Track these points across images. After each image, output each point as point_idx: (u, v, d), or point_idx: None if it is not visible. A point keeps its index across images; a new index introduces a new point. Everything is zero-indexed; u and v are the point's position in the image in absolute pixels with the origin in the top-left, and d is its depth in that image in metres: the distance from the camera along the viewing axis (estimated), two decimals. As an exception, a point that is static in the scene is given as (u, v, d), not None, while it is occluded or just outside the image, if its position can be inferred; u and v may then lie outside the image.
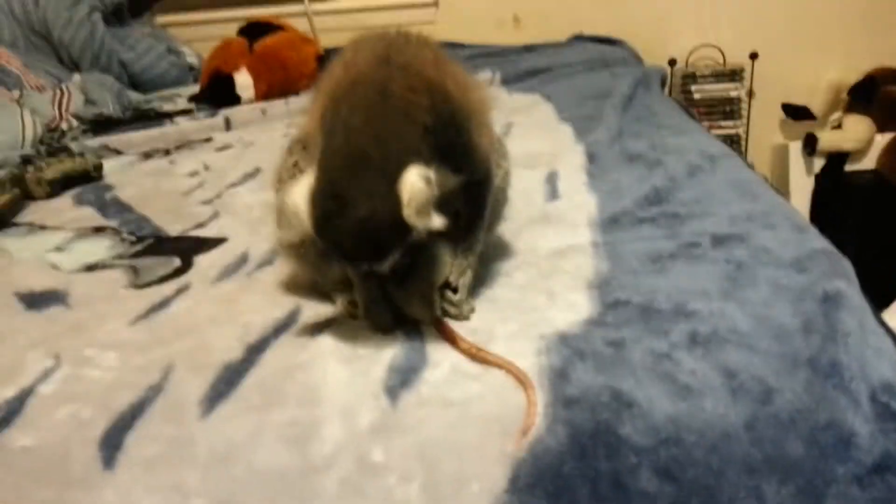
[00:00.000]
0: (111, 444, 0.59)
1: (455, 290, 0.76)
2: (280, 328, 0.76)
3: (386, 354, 0.68)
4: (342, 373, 0.65)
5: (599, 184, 1.15)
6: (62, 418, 0.63)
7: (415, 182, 0.62)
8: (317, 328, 0.76)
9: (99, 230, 1.18)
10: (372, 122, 0.66)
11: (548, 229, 1.00)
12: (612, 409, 0.58)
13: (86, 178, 1.52)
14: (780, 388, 0.59)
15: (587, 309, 0.74)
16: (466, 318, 0.75)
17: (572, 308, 0.74)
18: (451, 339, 0.70)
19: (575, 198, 1.10)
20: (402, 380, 0.64)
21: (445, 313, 0.75)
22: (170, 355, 0.71)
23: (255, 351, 0.71)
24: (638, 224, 0.98)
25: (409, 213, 0.62)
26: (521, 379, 0.62)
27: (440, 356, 0.68)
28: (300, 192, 0.64)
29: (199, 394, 0.64)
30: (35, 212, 1.34)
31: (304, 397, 0.62)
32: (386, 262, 0.65)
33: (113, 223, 1.21)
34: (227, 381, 0.66)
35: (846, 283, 0.72)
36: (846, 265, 0.78)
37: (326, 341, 0.72)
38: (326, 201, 0.63)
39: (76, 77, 2.38)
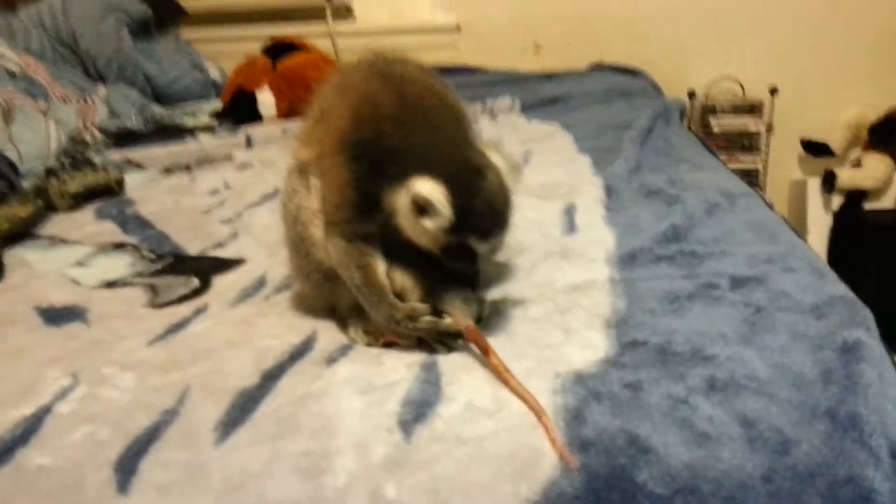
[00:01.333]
0: (126, 468, 0.59)
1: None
2: (296, 354, 0.76)
3: (401, 387, 0.68)
4: (357, 404, 0.65)
5: (617, 218, 1.15)
6: (78, 439, 0.63)
7: (499, 158, 0.77)
8: (332, 356, 0.76)
9: (119, 246, 1.19)
10: (440, 123, 0.77)
11: (565, 263, 0.99)
12: (629, 454, 0.57)
13: (108, 192, 1.54)
14: (798, 440, 0.58)
15: (604, 348, 0.74)
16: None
17: (589, 346, 0.74)
18: (484, 349, 0.70)
19: (592, 232, 1.10)
20: (416, 414, 0.64)
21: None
22: (186, 378, 0.72)
23: (271, 378, 0.71)
24: (656, 262, 0.98)
25: (510, 181, 0.76)
26: (535, 409, 0.62)
27: (455, 390, 0.68)
28: (428, 188, 0.70)
29: (213, 420, 0.64)
30: (57, 224, 1.35)
31: (318, 428, 0.63)
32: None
33: (133, 239, 1.23)
34: (242, 407, 0.66)
35: (866, 332, 0.72)
36: (866, 314, 0.77)
37: (342, 370, 0.73)
38: (461, 188, 0.71)
39: (101, 89, 2.42)
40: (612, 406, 0.63)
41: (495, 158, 0.77)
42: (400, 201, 0.73)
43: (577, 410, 0.63)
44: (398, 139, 0.74)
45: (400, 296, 0.77)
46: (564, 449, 0.58)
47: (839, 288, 0.85)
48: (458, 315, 0.74)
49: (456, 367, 0.72)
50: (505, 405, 0.65)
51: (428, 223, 0.71)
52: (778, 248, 0.98)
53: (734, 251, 0.98)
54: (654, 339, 0.74)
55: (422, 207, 0.71)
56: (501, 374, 0.68)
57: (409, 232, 0.75)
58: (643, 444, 0.58)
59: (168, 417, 0.65)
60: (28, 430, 0.65)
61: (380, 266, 0.78)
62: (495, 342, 0.77)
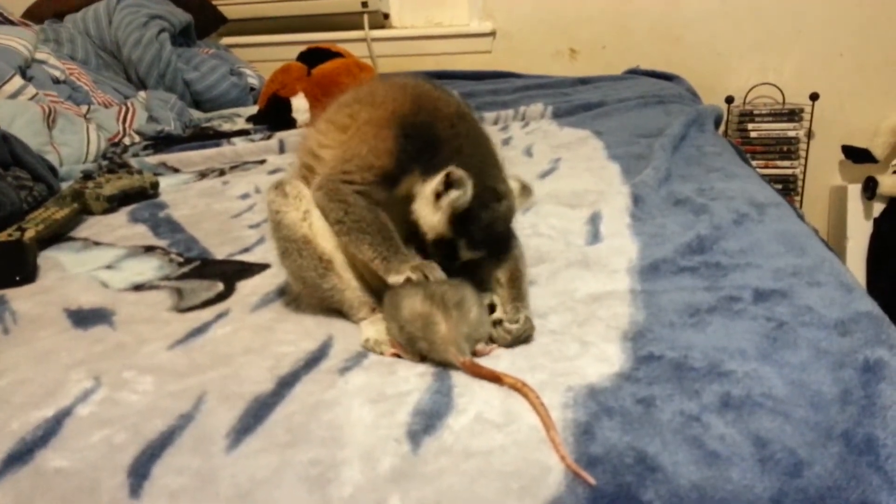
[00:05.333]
0: (139, 472, 0.60)
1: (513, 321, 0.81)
2: (311, 361, 0.77)
3: (412, 397, 0.68)
4: (367, 414, 0.66)
5: (643, 227, 1.14)
6: (96, 442, 0.64)
7: (515, 183, 0.89)
8: (347, 364, 0.77)
9: (149, 249, 1.22)
10: (482, 141, 0.88)
11: (586, 272, 0.99)
12: (636, 472, 0.57)
13: (142, 195, 1.57)
14: (811, 462, 0.57)
15: (619, 361, 0.73)
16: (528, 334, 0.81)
17: (604, 360, 0.74)
18: (491, 379, 0.70)
19: (617, 241, 1.09)
20: (425, 425, 0.64)
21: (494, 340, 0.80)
22: (203, 383, 0.73)
23: (285, 385, 0.72)
24: (679, 273, 0.96)
25: (518, 202, 0.89)
26: (546, 424, 0.62)
27: (466, 402, 0.68)
28: (464, 174, 0.79)
29: (227, 426, 0.65)
30: (91, 226, 1.39)
31: (327, 437, 0.63)
32: None
33: (163, 242, 1.25)
34: (256, 414, 0.67)
35: (889, 351, 0.70)
36: (892, 332, 0.75)
37: (355, 378, 0.73)
38: (480, 198, 0.81)
39: (141, 94, 2.48)
40: (623, 422, 0.62)
41: (512, 183, 0.88)
42: (428, 187, 0.82)
43: (586, 426, 0.62)
44: (450, 136, 0.84)
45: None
46: (576, 465, 0.57)
47: (867, 304, 0.83)
48: (451, 353, 0.73)
49: (468, 378, 0.72)
50: (515, 418, 0.64)
51: (446, 201, 0.79)
52: (805, 261, 0.96)
53: (760, 263, 0.96)
54: (670, 354, 0.73)
55: (449, 184, 0.79)
56: (521, 389, 0.67)
57: (417, 212, 0.83)
58: (651, 463, 0.57)
59: (183, 422, 0.66)
60: (48, 431, 0.66)
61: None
62: (511, 351, 0.78)
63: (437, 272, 0.80)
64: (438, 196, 0.80)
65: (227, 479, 0.59)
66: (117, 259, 1.17)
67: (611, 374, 0.71)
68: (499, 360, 0.76)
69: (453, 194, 0.79)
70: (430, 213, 0.82)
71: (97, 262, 1.16)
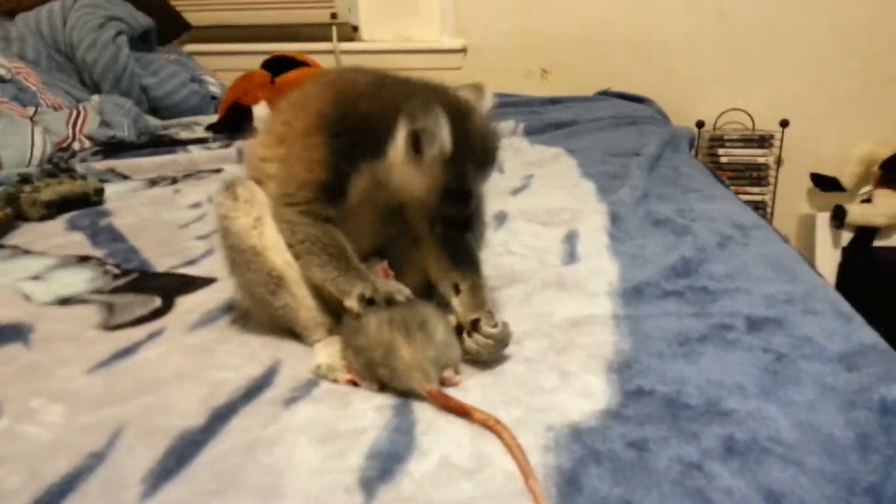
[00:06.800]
0: (29, 527, 0.50)
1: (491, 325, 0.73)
2: (252, 390, 0.67)
3: (367, 435, 0.59)
4: (313, 456, 0.56)
5: (622, 248, 1.07)
6: (-17, 485, 0.54)
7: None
8: (294, 394, 0.67)
9: (83, 259, 1.10)
10: (417, 85, 0.77)
11: (563, 294, 0.90)
12: (630, 532, 0.48)
13: (85, 202, 1.46)
14: (834, 522, 0.49)
15: (605, 396, 0.64)
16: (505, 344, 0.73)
17: (587, 394, 0.65)
18: (459, 412, 0.61)
19: (595, 262, 1.01)
20: (381, 470, 0.54)
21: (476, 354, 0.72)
22: (122, 415, 0.62)
23: (219, 418, 0.62)
24: (664, 297, 0.89)
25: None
26: (524, 470, 0.53)
27: (430, 442, 0.58)
28: (423, 118, 0.68)
29: (144, 468, 0.55)
30: (25, 234, 1.27)
31: (264, 486, 0.53)
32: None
33: (100, 253, 1.14)
34: (180, 455, 0.57)
35: (907, 390, 0.62)
36: (903, 367, 0.68)
37: (302, 411, 0.63)
38: (455, 117, 0.70)
39: (94, 98, 2.35)
40: (614, 470, 0.54)
41: (462, 94, 0.77)
42: (393, 153, 0.72)
43: (571, 474, 0.53)
44: (377, 107, 0.74)
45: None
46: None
47: (869, 335, 0.76)
48: (415, 380, 0.65)
49: (434, 412, 0.63)
50: (487, 462, 0.55)
51: (426, 156, 0.69)
52: (798, 288, 0.89)
53: (749, 289, 0.89)
54: (661, 388, 0.65)
55: (418, 141, 0.69)
56: (493, 427, 0.59)
57: (402, 185, 0.73)
58: (649, 521, 0.48)
59: (92, 462, 0.56)
60: (-72, 471, 0.55)
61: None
62: (482, 382, 0.69)
63: (390, 286, 0.71)
64: (414, 155, 0.70)
65: (138, 536, 0.49)
66: (46, 269, 1.06)
67: (596, 411, 0.62)
68: (468, 392, 0.66)
69: (428, 155, 0.69)
70: (412, 178, 0.72)
71: (23, 273, 1.04)
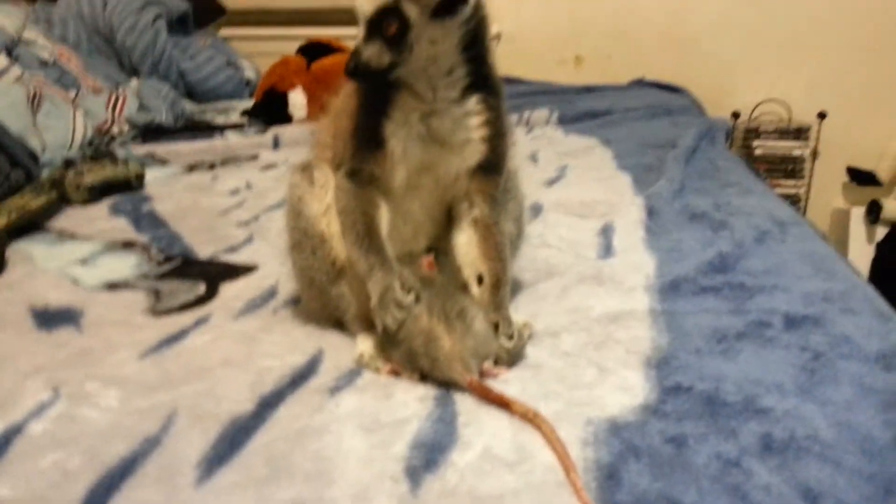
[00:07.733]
0: (93, 506, 0.52)
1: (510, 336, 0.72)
2: (298, 378, 0.69)
3: (411, 425, 0.60)
4: (360, 445, 0.58)
5: (659, 242, 1.07)
6: (46, 466, 0.56)
7: None
8: (338, 383, 0.69)
9: (128, 245, 1.13)
10: None
11: (600, 289, 0.91)
12: (670, 527, 0.49)
13: (126, 187, 1.49)
14: (872, 523, 0.49)
15: (643, 392, 0.65)
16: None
17: (626, 389, 0.66)
18: (499, 403, 0.62)
19: (631, 256, 1.02)
20: (426, 460, 0.56)
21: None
22: (174, 400, 0.65)
23: (267, 405, 0.64)
24: (701, 293, 0.89)
25: None
26: (565, 464, 0.54)
27: (472, 433, 0.60)
28: None
29: (198, 453, 0.57)
30: (69, 217, 1.30)
31: (314, 472, 0.55)
32: None
33: (144, 238, 1.17)
34: (232, 440, 0.59)
35: (948, 393, 0.62)
36: (944, 369, 0.68)
37: (346, 401, 0.65)
38: None
39: (133, 82, 2.39)
40: (652, 465, 0.55)
41: None
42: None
43: (611, 468, 0.54)
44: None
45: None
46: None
47: (908, 335, 0.76)
48: (456, 371, 0.66)
49: (474, 403, 0.64)
50: (528, 455, 0.57)
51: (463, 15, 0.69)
52: (836, 286, 0.89)
53: (787, 286, 0.89)
54: (700, 385, 0.66)
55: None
56: (532, 420, 0.60)
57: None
58: (688, 517, 0.50)
59: (148, 447, 0.58)
60: (-5, 451, 0.58)
61: (384, 220, 0.75)
62: (521, 375, 0.70)
63: (405, 279, 0.71)
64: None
65: (195, 518, 0.51)
66: (93, 254, 1.09)
67: (634, 406, 0.63)
68: (507, 384, 0.68)
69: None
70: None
71: (71, 257, 1.07)
